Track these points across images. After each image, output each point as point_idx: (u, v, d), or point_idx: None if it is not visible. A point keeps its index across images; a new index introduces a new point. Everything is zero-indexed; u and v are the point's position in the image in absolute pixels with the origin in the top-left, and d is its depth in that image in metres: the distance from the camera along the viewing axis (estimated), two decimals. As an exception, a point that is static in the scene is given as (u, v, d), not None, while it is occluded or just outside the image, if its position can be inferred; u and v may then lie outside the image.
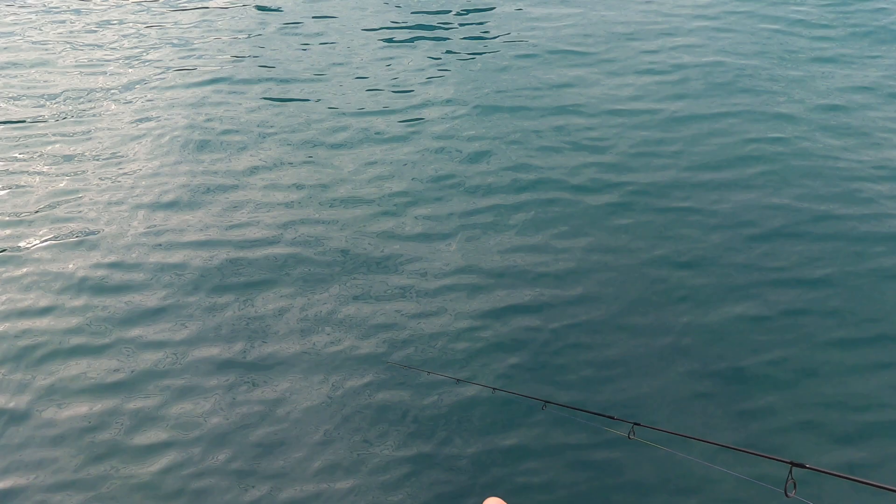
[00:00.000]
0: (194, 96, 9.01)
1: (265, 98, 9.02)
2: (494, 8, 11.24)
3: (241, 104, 8.88)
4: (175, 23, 10.84)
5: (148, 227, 7.03)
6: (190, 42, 10.26)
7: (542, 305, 6.25)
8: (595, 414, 3.87)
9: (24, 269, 6.58)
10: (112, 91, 9.16)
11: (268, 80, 9.38)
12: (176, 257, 6.70)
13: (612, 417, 3.84)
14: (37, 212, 7.24)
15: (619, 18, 10.99)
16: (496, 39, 10.34)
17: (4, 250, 6.76)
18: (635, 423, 3.67)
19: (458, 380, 5.27)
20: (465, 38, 10.39)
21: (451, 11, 11.11)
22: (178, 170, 7.79)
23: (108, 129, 8.49)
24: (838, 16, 11.06)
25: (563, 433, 5.15)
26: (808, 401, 5.45)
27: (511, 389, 5.20)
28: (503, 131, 8.44)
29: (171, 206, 7.31)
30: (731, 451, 3.32)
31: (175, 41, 10.30)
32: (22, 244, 6.86)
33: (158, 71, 9.58)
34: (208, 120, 8.56)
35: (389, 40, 10.39)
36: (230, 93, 9.11)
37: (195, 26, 10.70)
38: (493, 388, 4.93)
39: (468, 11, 11.10)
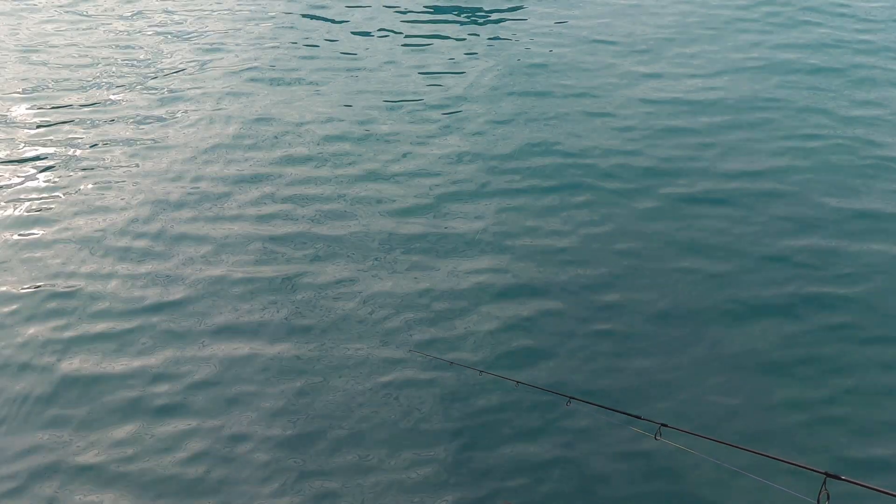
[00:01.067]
0: (228, 86, 9.02)
1: (300, 87, 8.99)
2: (523, 6, 11.07)
3: (275, 94, 8.87)
4: (210, 11, 10.86)
5: (178, 215, 7.05)
6: (221, 32, 10.27)
7: (571, 299, 6.15)
8: (621, 413, 3.77)
9: (54, 250, 6.64)
10: (140, 80, 9.21)
11: (302, 69, 9.36)
12: (205, 248, 6.70)
13: (639, 417, 3.74)
14: (63, 200, 7.29)
15: (658, 18, 10.76)
16: (531, 32, 10.18)
17: (40, 223, 6.84)
18: (662, 424, 3.57)
19: (481, 371, 5.19)
20: (499, 29, 10.25)
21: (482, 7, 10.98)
22: (215, 157, 7.80)
23: (143, 117, 8.54)
24: (886, 9, 10.72)
25: (587, 431, 5.05)
26: (842, 401, 5.29)
27: (535, 383, 5.11)
28: (538, 124, 8.32)
29: (203, 197, 7.32)
30: (761, 457, 3.21)
31: (206, 30, 10.31)
32: (51, 226, 6.93)
33: (189, 60, 9.60)
34: (244, 109, 8.56)
35: (421, 31, 10.29)
36: (264, 82, 9.10)
37: (230, 15, 10.71)
38: (517, 382, 4.84)
39: (503, 9, 10.97)
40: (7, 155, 7.81)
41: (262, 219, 6.96)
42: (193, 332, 5.84)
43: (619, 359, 5.63)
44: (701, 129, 8.23)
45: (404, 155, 7.78)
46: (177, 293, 6.17)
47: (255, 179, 7.45)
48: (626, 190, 7.35)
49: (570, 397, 4.15)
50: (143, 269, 6.39)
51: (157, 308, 6.03)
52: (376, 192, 7.29)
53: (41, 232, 6.78)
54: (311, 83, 8.99)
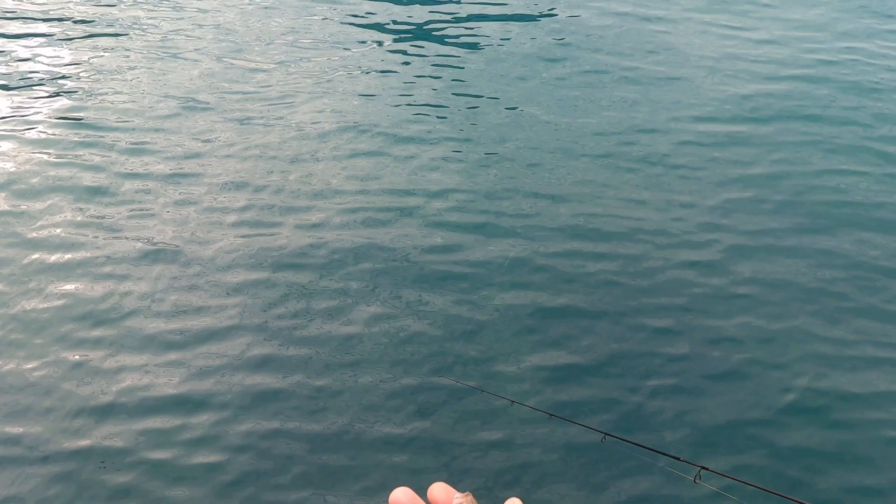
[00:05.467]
0: (264, 90, 9.10)
1: (350, 95, 9.03)
2: (560, 20, 11.03)
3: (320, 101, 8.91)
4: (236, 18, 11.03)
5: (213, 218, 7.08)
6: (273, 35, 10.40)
7: (606, 329, 5.98)
8: (660, 453, 3.61)
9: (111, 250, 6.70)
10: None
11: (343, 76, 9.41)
12: (232, 256, 6.70)
13: (679, 458, 3.58)
14: (113, 212, 7.38)
15: (699, 48, 10.62)
16: (563, 52, 10.12)
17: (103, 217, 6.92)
18: (703, 467, 3.41)
19: (513, 402, 5.05)
20: (534, 45, 10.22)
21: (536, 16, 10.97)
22: (244, 154, 7.85)
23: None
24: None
25: (623, 470, 4.86)
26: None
27: (569, 417, 4.95)
28: (563, 142, 8.21)
29: (227, 208, 7.35)
30: (810, 509, 3.02)
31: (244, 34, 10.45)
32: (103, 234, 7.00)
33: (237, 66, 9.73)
34: (277, 119, 8.61)
35: (460, 43, 10.31)
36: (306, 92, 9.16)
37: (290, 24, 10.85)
38: (550, 414, 4.69)
39: (541, 16, 10.94)
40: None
41: (298, 244, 6.94)
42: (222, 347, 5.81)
43: (659, 396, 5.43)
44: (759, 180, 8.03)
45: (443, 190, 7.71)
46: (207, 318, 6.15)
47: (294, 198, 7.45)
48: (660, 232, 7.18)
49: (606, 433, 4.00)
50: (189, 271, 6.40)
51: (186, 333, 6.02)
52: (399, 212, 7.21)
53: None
54: (361, 92, 9.02)
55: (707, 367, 5.67)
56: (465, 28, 10.79)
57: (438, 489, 1.02)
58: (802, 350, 5.83)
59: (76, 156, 7.81)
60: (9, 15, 10.43)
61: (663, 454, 3.57)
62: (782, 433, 5.18)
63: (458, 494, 1.01)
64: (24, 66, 9.29)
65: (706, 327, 6.04)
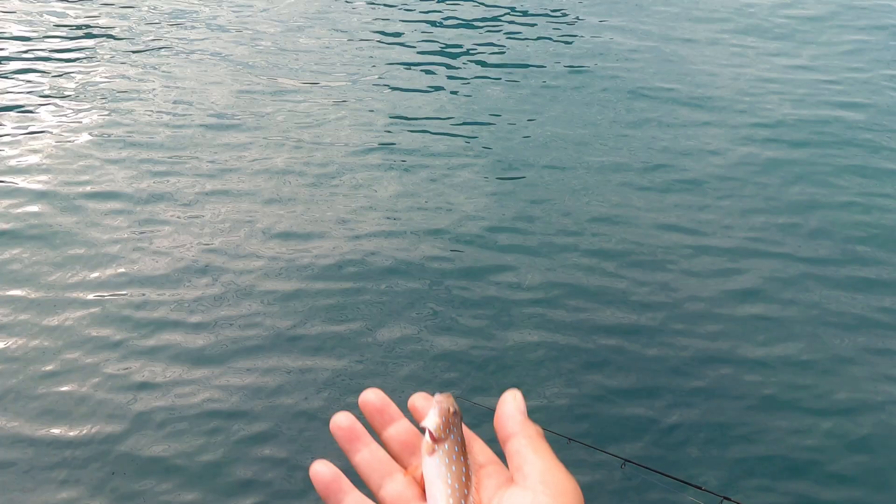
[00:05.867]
0: (303, 105, 9.16)
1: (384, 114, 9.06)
2: (589, 42, 10.98)
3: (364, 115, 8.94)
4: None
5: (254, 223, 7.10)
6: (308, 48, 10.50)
7: (631, 355, 5.85)
8: (681, 482, 3.48)
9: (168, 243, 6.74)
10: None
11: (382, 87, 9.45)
12: (261, 272, 6.70)
13: (700, 488, 3.45)
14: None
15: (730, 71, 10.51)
16: (594, 75, 10.06)
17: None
18: (725, 497, 3.29)
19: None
20: (568, 71, 10.17)
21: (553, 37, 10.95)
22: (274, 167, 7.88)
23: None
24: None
25: (643, 499, 4.71)
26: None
27: (588, 442, 4.82)
28: (591, 165, 8.12)
29: (268, 221, 7.37)
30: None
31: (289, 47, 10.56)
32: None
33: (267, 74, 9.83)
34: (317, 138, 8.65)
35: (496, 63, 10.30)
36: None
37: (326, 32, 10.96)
38: (569, 439, 4.56)
39: (570, 37, 10.91)
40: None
41: (328, 271, 6.92)
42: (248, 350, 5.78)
43: (681, 422, 5.28)
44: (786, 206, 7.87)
45: (471, 210, 7.66)
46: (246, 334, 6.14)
47: (330, 224, 7.45)
48: (691, 258, 7.04)
49: (626, 460, 3.88)
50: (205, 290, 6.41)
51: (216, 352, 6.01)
52: (442, 248, 7.15)
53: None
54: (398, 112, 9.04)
55: (735, 396, 5.51)
56: (493, 49, 10.80)
57: (418, 398, 1.00)
58: (838, 380, 5.64)
59: (107, 170, 7.90)
60: (40, 30, 10.66)
61: (686, 483, 3.44)
62: (812, 465, 4.99)
63: (438, 395, 0.99)
64: (59, 82, 9.47)
65: (737, 355, 5.88)
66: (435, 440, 0.96)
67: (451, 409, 0.99)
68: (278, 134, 8.63)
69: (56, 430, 5.21)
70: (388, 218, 7.35)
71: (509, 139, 8.70)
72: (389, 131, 8.80)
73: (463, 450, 0.99)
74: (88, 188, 7.58)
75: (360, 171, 8.05)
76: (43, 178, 7.72)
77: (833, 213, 7.54)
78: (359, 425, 0.96)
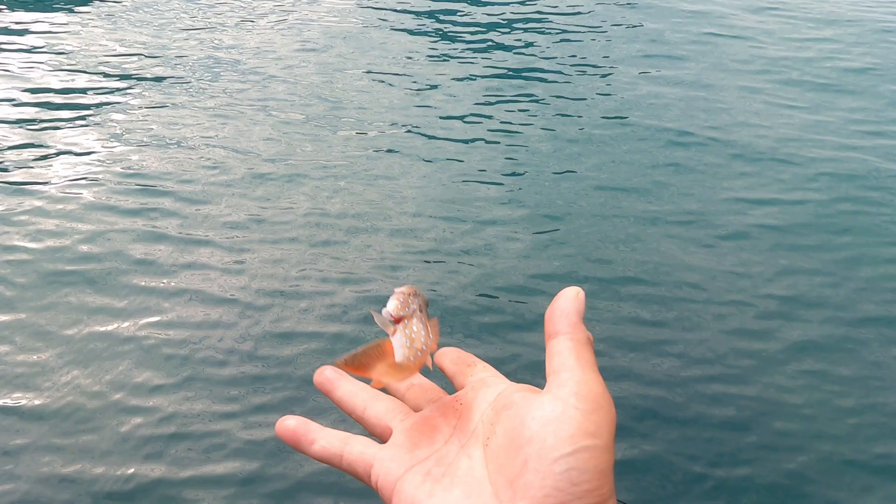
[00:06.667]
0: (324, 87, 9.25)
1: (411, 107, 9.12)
2: (619, 87, 10.99)
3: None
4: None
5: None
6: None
7: (671, 408, 5.66)
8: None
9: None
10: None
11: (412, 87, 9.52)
12: (294, 308, 6.67)
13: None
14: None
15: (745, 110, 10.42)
16: (633, 125, 10.04)
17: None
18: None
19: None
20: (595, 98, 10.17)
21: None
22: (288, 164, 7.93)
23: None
24: None
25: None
26: None
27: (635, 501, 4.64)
28: (622, 208, 8.02)
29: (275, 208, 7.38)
30: None
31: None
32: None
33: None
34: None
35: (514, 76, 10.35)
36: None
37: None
38: None
39: (601, 77, 10.93)
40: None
41: (347, 298, 6.90)
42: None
43: (732, 482, 5.06)
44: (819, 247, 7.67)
45: (501, 242, 7.61)
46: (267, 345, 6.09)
47: (352, 234, 7.45)
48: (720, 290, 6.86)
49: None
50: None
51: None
52: (470, 263, 7.11)
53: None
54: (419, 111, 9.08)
55: (786, 453, 5.27)
56: (532, 98, 10.87)
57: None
58: (875, 429, 5.38)
59: (140, 210, 8.03)
60: (77, 68, 11.00)
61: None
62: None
63: (397, 289, 0.96)
64: (95, 119, 9.73)
65: (785, 413, 5.66)
66: (397, 320, 0.93)
67: (410, 292, 0.96)
68: (320, 181, 8.72)
69: (98, 470, 5.18)
70: (425, 267, 7.32)
71: (549, 189, 8.67)
72: (426, 176, 8.84)
73: (428, 323, 0.95)
74: (117, 226, 7.70)
75: (396, 218, 8.06)
76: (89, 218, 7.88)
77: (882, 267, 7.33)
78: (346, 375, 0.95)
